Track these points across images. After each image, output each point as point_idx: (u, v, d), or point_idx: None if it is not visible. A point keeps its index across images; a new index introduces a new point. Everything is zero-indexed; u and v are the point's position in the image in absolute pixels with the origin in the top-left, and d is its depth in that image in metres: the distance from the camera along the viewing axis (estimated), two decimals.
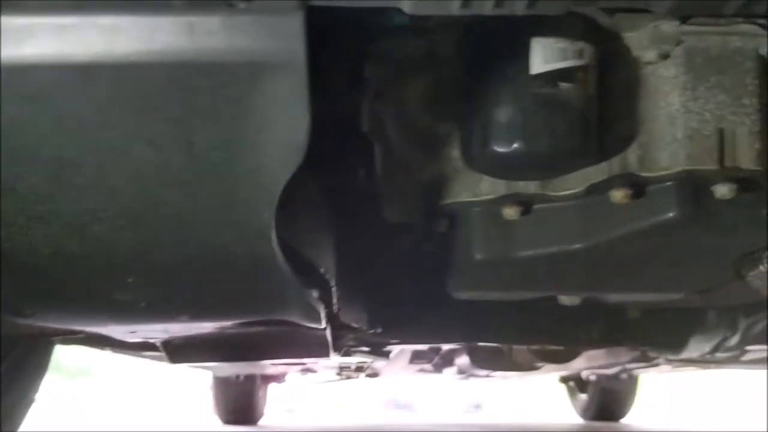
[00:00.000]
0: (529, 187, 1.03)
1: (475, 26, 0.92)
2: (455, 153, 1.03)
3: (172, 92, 0.66)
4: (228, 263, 0.81)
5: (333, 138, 1.37)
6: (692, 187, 0.96)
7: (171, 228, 0.77)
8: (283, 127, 0.68)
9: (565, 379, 3.97)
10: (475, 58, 0.93)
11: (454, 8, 0.60)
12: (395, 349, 2.41)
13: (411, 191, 1.11)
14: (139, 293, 0.89)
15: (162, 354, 1.46)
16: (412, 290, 1.56)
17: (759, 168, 0.94)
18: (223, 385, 3.51)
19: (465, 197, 1.07)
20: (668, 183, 0.96)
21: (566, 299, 1.35)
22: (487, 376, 2.90)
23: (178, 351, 1.37)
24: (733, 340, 1.76)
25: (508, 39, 0.89)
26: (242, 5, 0.58)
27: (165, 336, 1.28)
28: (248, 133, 0.68)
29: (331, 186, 1.30)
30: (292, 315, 0.95)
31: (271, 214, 0.75)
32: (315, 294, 0.98)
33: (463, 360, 2.56)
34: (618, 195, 0.98)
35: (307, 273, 0.95)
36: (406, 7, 0.61)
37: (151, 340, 1.34)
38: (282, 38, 0.63)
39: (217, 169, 0.71)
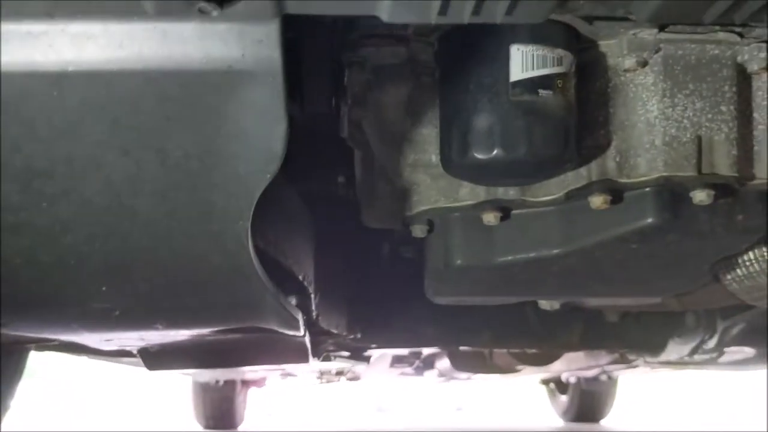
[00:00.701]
0: (509, 192, 1.03)
1: (455, 33, 0.92)
2: (434, 159, 1.03)
3: (145, 100, 0.65)
4: (204, 272, 0.80)
5: (312, 144, 1.37)
6: (670, 193, 0.97)
7: (145, 237, 0.76)
8: (259, 135, 0.67)
9: (545, 381, 3.99)
10: (454, 65, 0.93)
11: (432, 16, 0.60)
12: (375, 353, 2.41)
13: (390, 197, 1.11)
14: (113, 302, 0.87)
15: (139, 361, 1.44)
16: (391, 295, 1.56)
17: (736, 174, 0.95)
18: (202, 389, 3.48)
19: (444, 203, 1.07)
20: (647, 189, 0.97)
21: (546, 304, 1.36)
22: (468, 378, 2.91)
23: (155, 358, 1.35)
24: (711, 343, 1.78)
25: (487, 46, 0.89)
26: (215, 12, 0.57)
27: (141, 344, 1.26)
28: (223, 141, 0.67)
29: (310, 192, 1.29)
30: (270, 323, 0.94)
31: (248, 223, 0.74)
32: (293, 301, 0.97)
33: (443, 363, 2.56)
34: (597, 201, 0.98)
35: (285, 280, 0.94)
36: (384, 15, 0.60)
37: (127, 348, 1.33)
38: (257, 46, 0.62)
39: (192, 178, 0.70)
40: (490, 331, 1.79)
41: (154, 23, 0.61)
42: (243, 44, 0.62)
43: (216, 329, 1.00)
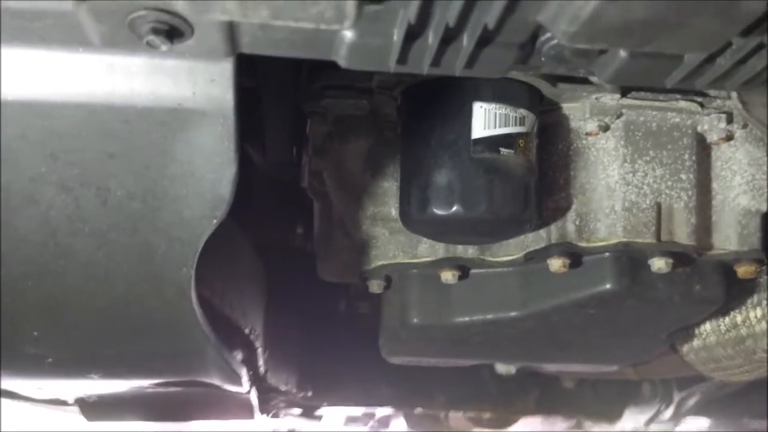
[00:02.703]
0: (468, 251, 1.02)
1: (418, 87, 0.91)
2: (394, 213, 1.01)
3: (87, 135, 0.62)
4: (143, 320, 0.75)
5: (272, 194, 1.34)
6: (629, 259, 0.96)
7: (82, 280, 0.71)
8: (207, 178, 0.64)
9: None
10: (417, 119, 0.92)
11: (391, 65, 0.58)
12: (328, 411, 2.34)
13: (347, 250, 1.08)
14: (45, 348, 0.82)
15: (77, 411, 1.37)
16: (346, 352, 1.52)
17: (694, 244, 0.95)
18: None
19: (403, 259, 1.05)
20: (605, 254, 0.96)
21: (502, 368, 1.33)
22: None
23: (93, 409, 1.29)
24: (667, 413, 1.76)
25: (450, 102, 0.88)
26: (165, 47, 0.54)
27: (78, 393, 1.19)
28: (169, 182, 0.64)
29: (267, 243, 1.26)
30: (211, 377, 0.89)
31: (191, 270, 0.70)
32: (239, 356, 0.93)
33: (399, 424, 2.49)
34: (556, 264, 0.96)
35: (230, 334, 0.90)
36: (342, 61, 0.59)
37: (62, 398, 1.26)
38: (209, 85, 0.59)
39: (133, 219, 0.66)
40: (446, 394, 1.75)
41: (100, 55, 0.58)
42: (194, 82, 0.60)
43: (156, 381, 0.95)
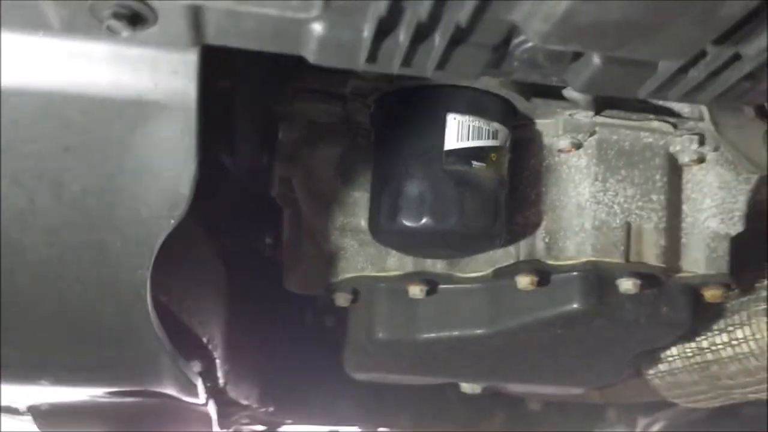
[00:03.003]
0: (437, 266, 1.00)
1: (393, 96, 0.90)
2: (364, 224, 0.99)
3: (43, 126, 0.59)
4: (95, 324, 0.72)
5: (240, 200, 1.32)
6: (597, 279, 0.95)
7: (32, 279, 0.68)
8: (166, 175, 0.61)
9: None
10: (390, 128, 0.91)
11: (360, 62, 0.57)
12: (290, 429, 2.30)
13: (315, 261, 1.06)
14: None
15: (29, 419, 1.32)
16: (310, 367, 1.49)
17: (663, 265, 0.94)
18: None
19: (371, 272, 1.03)
20: (574, 273, 0.95)
21: (468, 387, 1.31)
22: None
23: (46, 417, 1.24)
24: None
25: (424, 112, 0.87)
26: (125, 33, 0.52)
27: (30, 401, 1.15)
28: (126, 179, 0.61)
29: (233, 251, 1.23)
30: (166, 387, 0.86)
31: (148, 272, 0.67)
32: (195, 366, 0.89)
33: None
34: (524, 281, 0.95)
35: (187, 342, 0.87)
36: (311, 56, 0.57)
37: (13, 405, 1.21)
38: (172, 77, 0.57)
39: (88, 216, 0.63)
40: (411, 413, 1.73)
41: (60, 40, 0.56)
42: (156, 73, 0.57)
43: (109, 390, 0.91)
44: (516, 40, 0.56)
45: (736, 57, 0.55)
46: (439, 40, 0.54)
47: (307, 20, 0.53)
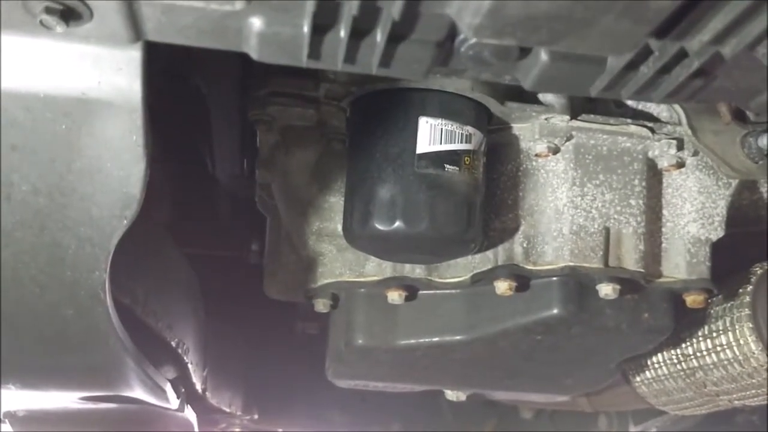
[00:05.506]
0: (415, 271, 0.99)
1: (366, 99, 0.89)
2: (340, 229, 0.98)
3: None
4: (56, 326, 0.71)
5: (226, 207, 1.31)
6: (576, 285, 0.94)
7: None
8: (115, 175, 0.60)
9: None
10: (363, 132, 0.90)
11: (302, 59, 0.56)
12: None
13: (294, 267, 1.05)
14: None
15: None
16: (296, 374, 1.48)
17: (642, 270, 0.93)
18: None
19: (349, 277, 1.02)
20: (553, 279, 0.94)
21: (452, 394, 1.29)
22: None
23: (22, 423, 1.23)
24: None
25: (397, 115, 0.86)
26: (60, 29, 0.51)
27: (5, 407, 1.14)
28: (75, 178, 0.60)
29: (219, 258, 1.22)
30: (134, 391, 0.85)
31: (104, 274, 0.66)
32: (169, 371, 0.88)
33: None
34: (502, 286, 0.94)
35: (153, 345, 0.86)
36: (253, 53, 0.56)
37: None
38: (116, 74, 0.56)
39: (40, 216, 0.62)
40: (402, 420, 1.72)
41: (2, 36, 0.55)
42: (99, 70, 0.56)
43: (80, 395, 0.90)
44: (460, 37, 0.55)
45: (684, 54, 0.54)
46: (380, 36, 0.53)
47: (241, 15, 0.52)
